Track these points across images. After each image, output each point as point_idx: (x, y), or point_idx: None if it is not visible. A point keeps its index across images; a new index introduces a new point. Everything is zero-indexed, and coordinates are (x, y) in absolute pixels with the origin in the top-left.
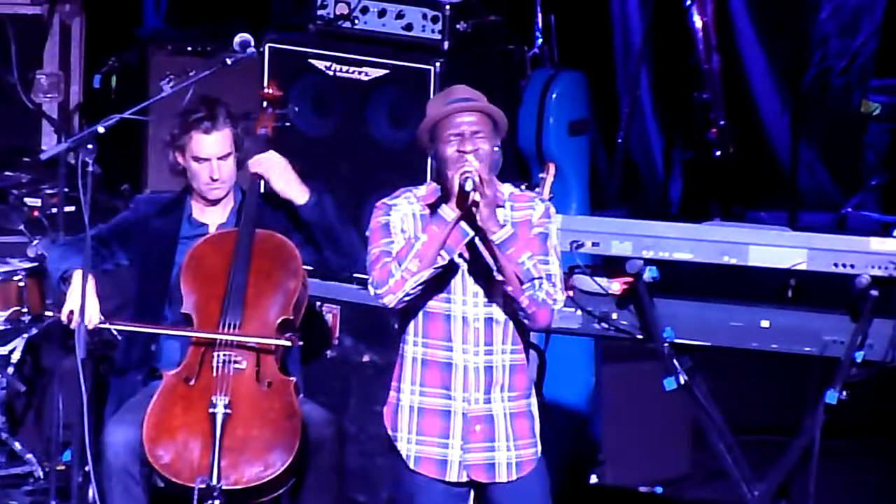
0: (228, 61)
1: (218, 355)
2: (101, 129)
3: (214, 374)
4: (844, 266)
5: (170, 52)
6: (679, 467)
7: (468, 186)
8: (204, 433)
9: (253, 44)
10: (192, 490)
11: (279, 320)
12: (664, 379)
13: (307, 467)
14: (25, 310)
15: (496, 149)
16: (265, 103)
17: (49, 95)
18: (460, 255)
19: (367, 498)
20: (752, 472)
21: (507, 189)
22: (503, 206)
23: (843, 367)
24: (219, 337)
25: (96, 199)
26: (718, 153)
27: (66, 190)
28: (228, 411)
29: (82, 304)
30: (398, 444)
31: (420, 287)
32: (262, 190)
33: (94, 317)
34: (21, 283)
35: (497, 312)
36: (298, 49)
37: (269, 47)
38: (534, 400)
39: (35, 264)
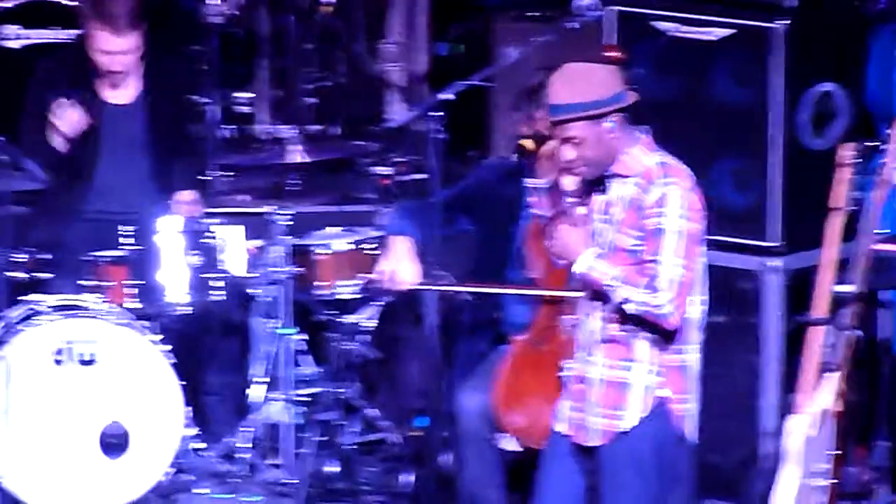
0: (571, 25)
1: (567, 319)
2: (447, 97)
3: (564, 337)
4: None
5: (513, 18)
6: None
7: None
8: (556, 397)
9: (596, 7)
10: None
11: None
12: None
13: None
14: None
15: (610, 121)
16: None
17: (396, 64)
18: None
19: (720, 460)
20: None
21: (650, 161)
22: (609, 178)
23: None
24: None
25: (444, 165)
26: None
27: (415, 158)
28: None
29: (401, 267)
30: None
31: None
32: None
33: (407, 279)
34: (373, 252)
35: None
36: (641, 11)
37: (612, 10)
38: (639, 374)
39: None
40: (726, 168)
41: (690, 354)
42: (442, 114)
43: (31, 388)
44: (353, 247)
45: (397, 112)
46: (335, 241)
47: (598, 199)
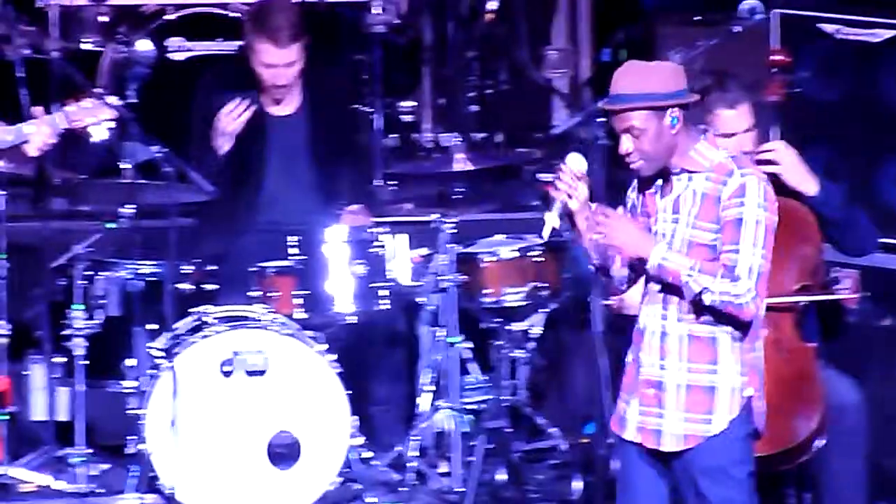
0: (736, 29)
1: None
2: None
3: None
4: None
5: (677, 23)
6: None
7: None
8: None
9: (760, 10)
10: None
11: (796, 287)
12: None
13: (832, 433)
14: (544, 285)
15: (671, 116)
16: (774, 70)
17: (559, 71)
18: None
19: (893, 463)
20: None
21: (718, 155)
22: (678, 174)
23: None
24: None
25: (608, 172)
26: None
27: None
28: None
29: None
30: None
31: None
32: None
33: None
34: (538, 259)
35: None
36: (806, 14)
37: (777, 13)
38: (726, 376)
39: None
40: (891, 170)
41: (759, 351)
42: (606, 120)
43: (198, 399)
44: (519, 254)
45: (561, 119)
46: (501, 249)
47: (660, 201)
